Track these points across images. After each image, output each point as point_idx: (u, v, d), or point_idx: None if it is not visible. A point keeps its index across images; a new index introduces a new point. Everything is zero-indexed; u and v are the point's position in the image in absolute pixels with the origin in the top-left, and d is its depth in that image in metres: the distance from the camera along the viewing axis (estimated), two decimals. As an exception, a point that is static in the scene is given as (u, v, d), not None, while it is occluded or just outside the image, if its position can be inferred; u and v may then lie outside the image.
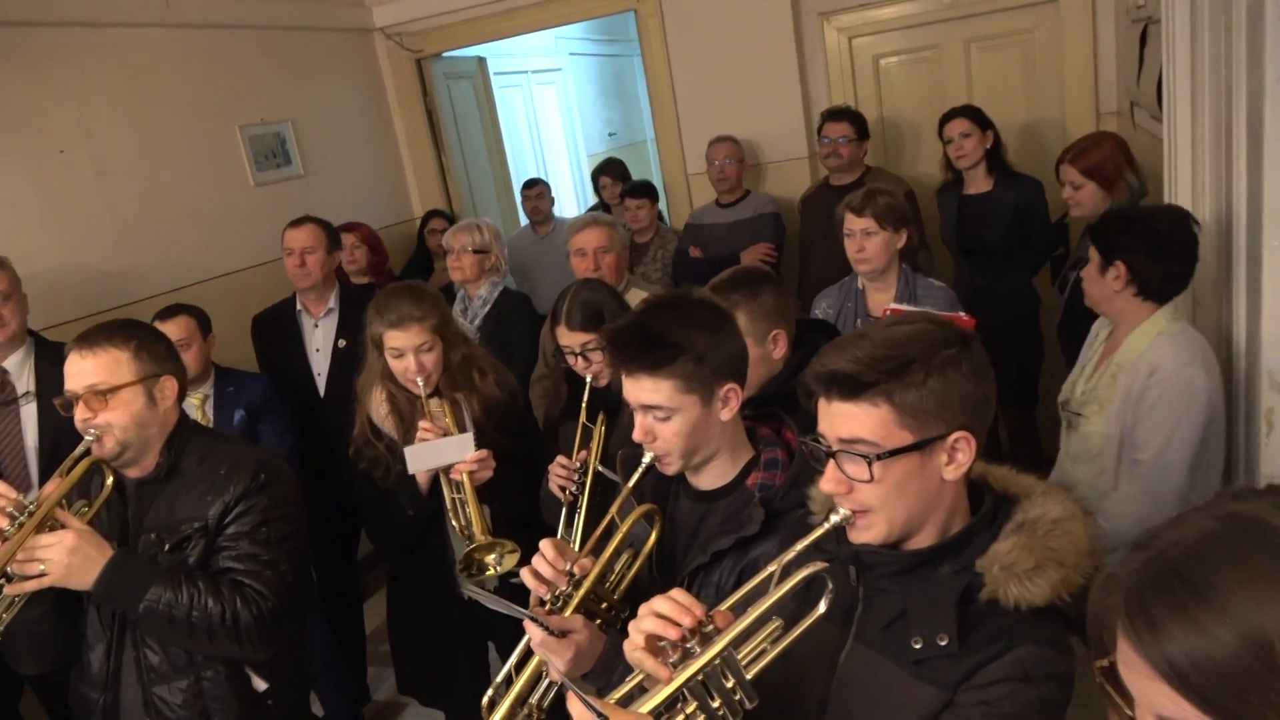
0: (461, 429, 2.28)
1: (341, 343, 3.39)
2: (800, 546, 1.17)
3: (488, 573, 2.08)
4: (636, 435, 1.56)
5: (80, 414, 1.80)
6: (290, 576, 1.90)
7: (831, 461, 1.17)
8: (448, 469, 2.23)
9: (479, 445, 2.23)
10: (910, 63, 4.66)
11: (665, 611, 1.12)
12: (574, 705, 1.04)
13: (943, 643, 1.11)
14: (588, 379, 2.31)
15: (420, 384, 2.29)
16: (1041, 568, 1.10)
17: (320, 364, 3.42)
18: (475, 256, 3.53)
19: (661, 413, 1.52)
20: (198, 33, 4.01)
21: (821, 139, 4.08)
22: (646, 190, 4.47)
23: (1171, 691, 0.66)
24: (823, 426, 1.18)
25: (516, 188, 6.10)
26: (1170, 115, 2.69)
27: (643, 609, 1.16)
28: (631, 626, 1.15)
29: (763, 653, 1.18)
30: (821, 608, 1.17)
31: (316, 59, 4.71)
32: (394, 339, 2.28)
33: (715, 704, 1.14)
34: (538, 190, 5.11)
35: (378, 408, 2.38)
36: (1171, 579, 0.67)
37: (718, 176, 4.39)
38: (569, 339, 2.33)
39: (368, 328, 2.36)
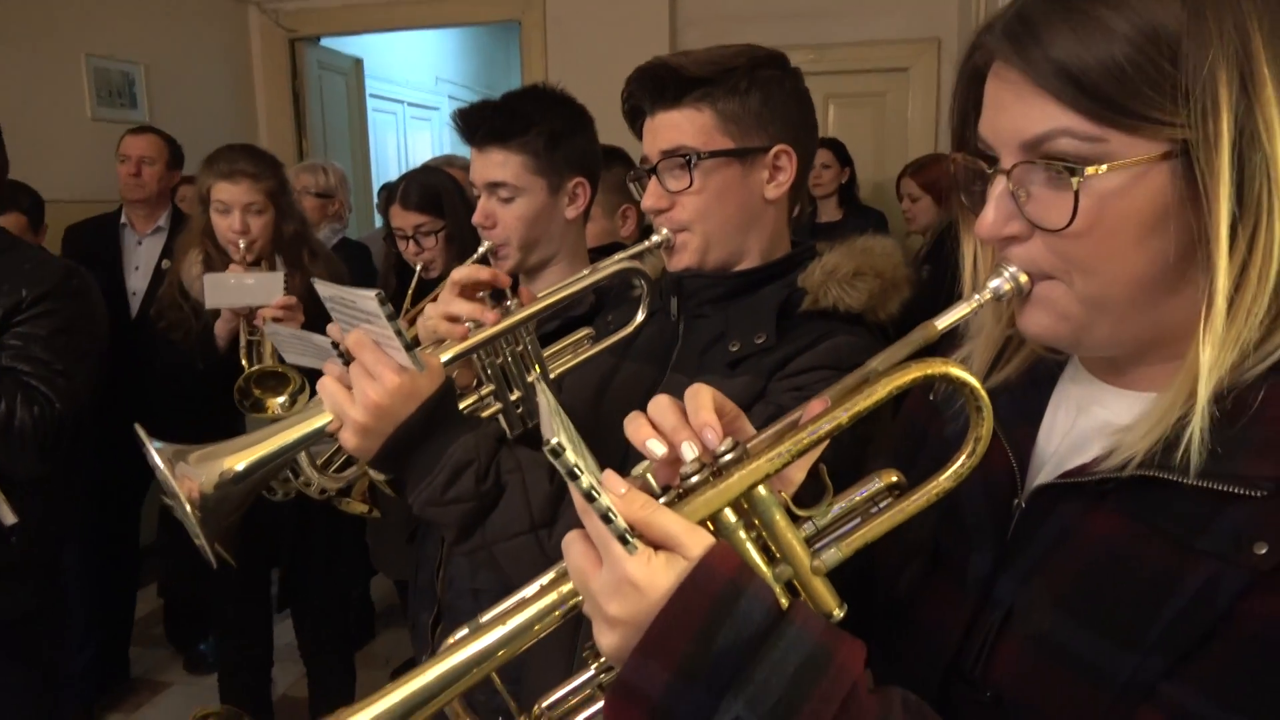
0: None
1: (166, 263, 3.14)
2: (618, 256, 1.15)
3: (265, 410, 1.92)
4: (476, 218, 1.50)
5: None
6: (83, 393, 1.70)
7: (653, 178, 1.14)
8: (251, 314, 2.06)
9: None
10: (774, 110, 4.95)
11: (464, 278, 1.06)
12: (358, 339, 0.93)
13: (760, 340, 1.08)
14: (417, 268, 2.23)
15: (241, 245, 2.14)
16: (861, 274, 1.10)
17: (138, 282, 3.16)
18: (317, 200, 3.39)
19: (506, 191, 1.47)
20: (56, -52, 3.80)
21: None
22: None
23: (1054, 104, 0.60)
24: (646, 146, 1.16)
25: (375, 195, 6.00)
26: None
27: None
28: (431, 307, 1.07)
29: (567, 360, 1.15)
30: (639, 317, 1.14)
31: (183, 12, 4.53)
32: (222, 191, 2.14)
33: (514, 396, 1.07)
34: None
35: (191, 267, 2.21)
36: None
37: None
38: (402, 219, 2.25)
39: (197, 182, 2.21)
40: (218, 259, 2.20)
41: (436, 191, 2.24)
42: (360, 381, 0.90)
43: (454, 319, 1.04)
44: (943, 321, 0.68)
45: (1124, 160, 0.59)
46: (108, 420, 3.05)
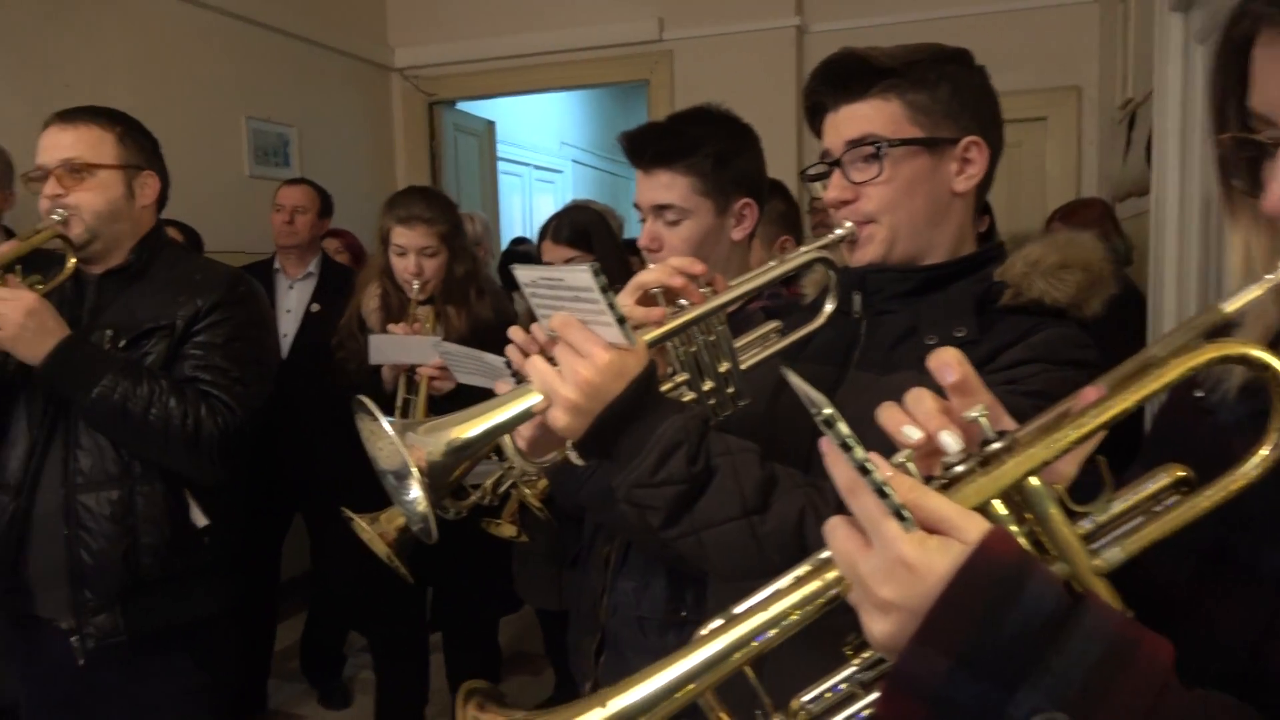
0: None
1: (315, 307, 3.29)
2: (804, 248, 1.11)
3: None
4: (642, 241, 1.50)
5: (50, 189, 1.67)
6: (258, 400, 1.76)
7: (837, 171, 1.10)
8: (411, 370, 2.15)
9: None
10: (903, 163, 4.88)
11: (668, 267, 1.03)
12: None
13: (960, 334, 1.02)
14: None
15: (415, 287, 2.24)
16: (1067, 266, 1.03)
17: (288, 325, 3.30)
18: (465, 248, 3.50)
19: (673, 214, 1.46)
20: (220, 18, 4.10)
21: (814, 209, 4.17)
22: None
23: None
24: (829, 140, 1.12)
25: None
26: (1159, 172, 2.79)
27: (638, 274, 1.07)
28: (626, 288, 1.04)
29: (757, 354, 1.12)
30: (828, 307, 1.11)
31: (333, 78, 4.82)
32: (400, 235, 2.26)
33: (706, 386, 1.03)
34: (525, 248, 5.22)
35: (369, 300, 2.36)
36: None
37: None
38: (553, 254, 2.30)
39: (379, 221, 2.33)
40: (394, 294, 2.33)
41: (586, 227, 2.29)
42: (569, 360, 0.89)
43: (651, 298, 1.02)
44: (1232, 304, 0.62)
45: None
46: (258, 456, 3.19)
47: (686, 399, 1.02)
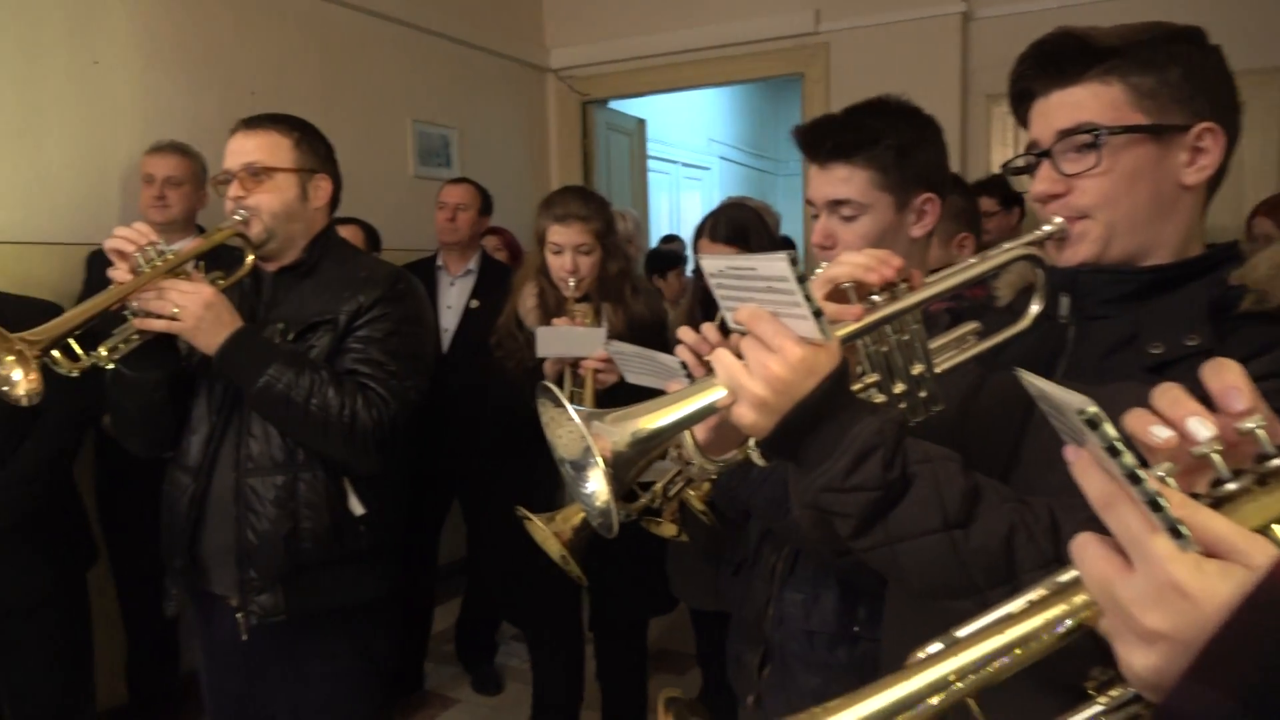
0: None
1: (474, 303, 3.38)
2: (1011, 243, 1.00)
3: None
4: (816, 238, 1.44)
5: (234, 191, 1.78)
6: (413, 393, 1.81)
7: (1045, 162, 1.00)
8: (575, 364, 2.16)
9: None
10: (1077, 154, 4.58)
11: (862, 260, 0.96)
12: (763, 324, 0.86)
13: (1192, 343, 0.90)
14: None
15: (571, 284, 2.25)
16: None
17: (449, 320, 3.40)
18: (615, 244, 3.52)
19: (849, 209, 1.39)
20: (386, 24, 4.28)
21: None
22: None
23: None
24: (1036, 130, 1.02)
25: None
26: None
27: (828, 266, 1.00)
28: (815, 281, 0.98)
29: (952, 357, 1.03)
30: (1034, 308, 1.01)
31: (491, 80, 4.95)
32: (556, 234, 2.27)
33: (897, 388, 0.96)
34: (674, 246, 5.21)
35: (526, 299, 2.38)
36: None
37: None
38: (711, 251, 2.26)
39: (535, 220, 2.37)
40: (550, 293, 2.35)
41: (743, 224, 2.26)
42: (758, 354, 0.84)
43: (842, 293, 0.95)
44: None
45: None
46: (418, 446, 3.31)
47: (876, 401, 0.96)
